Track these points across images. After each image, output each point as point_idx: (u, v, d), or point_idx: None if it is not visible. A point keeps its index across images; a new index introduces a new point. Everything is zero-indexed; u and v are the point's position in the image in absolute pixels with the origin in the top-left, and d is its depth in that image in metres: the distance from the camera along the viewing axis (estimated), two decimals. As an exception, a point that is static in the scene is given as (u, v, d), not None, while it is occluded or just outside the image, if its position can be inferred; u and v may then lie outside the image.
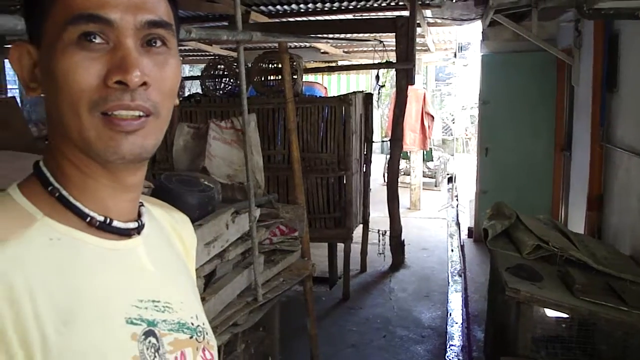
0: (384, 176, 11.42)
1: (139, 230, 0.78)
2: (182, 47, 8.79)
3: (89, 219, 0.72)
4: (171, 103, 0.75)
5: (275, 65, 5.51)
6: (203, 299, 2.40)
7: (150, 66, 0.70)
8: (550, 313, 3.17)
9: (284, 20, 6.56)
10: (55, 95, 0.69)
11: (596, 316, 2.70)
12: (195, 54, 10.18)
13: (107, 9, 0.67)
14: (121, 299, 0.73)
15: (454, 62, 11.61)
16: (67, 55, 0.67)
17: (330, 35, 6.65)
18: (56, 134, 0.73)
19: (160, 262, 0.81)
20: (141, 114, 0.69)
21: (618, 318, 2.68)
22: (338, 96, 5.45)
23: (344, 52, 9.95)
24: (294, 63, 5.28)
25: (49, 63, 0.68)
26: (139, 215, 0.81)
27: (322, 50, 9.28)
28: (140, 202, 0.82)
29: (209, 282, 2.53)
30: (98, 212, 0.73)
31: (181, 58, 9.61)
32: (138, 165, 0.75)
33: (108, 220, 0.74)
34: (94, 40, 0.67)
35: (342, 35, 7.13)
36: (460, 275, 6.10)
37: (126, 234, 0.76)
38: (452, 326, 4.97)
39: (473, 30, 7.42)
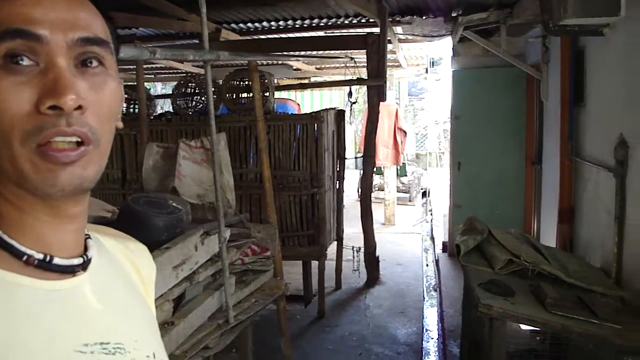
0: (358, 192, 11.44)
1: (84, 265, 0.72)
2: (154, 65, 8.74)
3: (25, 257, 0.66)
4: (111, 127, 0.70)
5: (246, 82, 5.49)
6: (172, 323, 2.35)
7: (86, 88, 0.64)
8: (524, 327, 3.18)
9: (255, 37, 6.57)
10: None
11: (568, 330, 2.71)
12: (166, 71, 10.13)
13: (36, 25, 0.62)
14: (63, 344, 0.66)
15: (426, 77, 11.74)
16: None
17: (300, 53, 6.67)
18: None
19: (111, 298, 0.75)
20: (78, 140, 0.63)
21: (589, 331, 2.69)
22: (310, 113, 5.46)
23: (316, 68, 10.00)
24: (265, 80, 5.27)
25: None
26: (85, 248, 0.74)
27: (294, 67, 9.31)
28: (87, 235, 0.76)
29: (178, 305, 2.48)
30: (37, 249, 0.67)
31: (152, 75, 9.51)
32: (80, 196, 0.69)
33: (48, 258, 0.67)
34: (21, 62, 0.61)
35: (312, 53, 7.16)
36: (436, 290, 6.10)
37: (69, 271, 0.70)
38: (427, 342, 4.94)
39: (444, 46, 7.51)
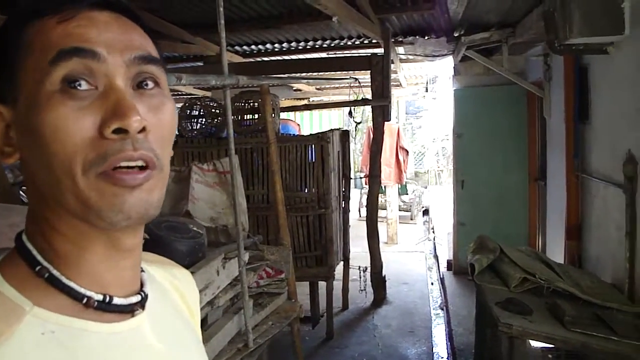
0: (359, 211, 11.46)
1: (142, 303, 0.69)
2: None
3: (85, 300, 0.63)
4: (169, 153, 0.67)
5: (251, 104, 5.52)
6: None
7: (145, 111, 0.62)
8: (541, 345, 3.17)
9: (259, 59, 6.61)
10: (41, 156, 0.60)
11: (589, 347, 2.71)
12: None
13: (92, 43, 0.60)
14: None
15: (425, 96, 11.82)
16: (53, 107, 0.58)
17: (313, 75, 6.71)
18: (42, 202, 0.64)
19: (168, 334, 0.73)
20: (143, 164, 0.61)
21: (609, 348, 2.69)
22: (316, 134, 5.48)
23: (316, 89, 10.06)
24: (272, 103, 5.30)
25: (31, 120, 0.59)
26: (142, 284, 0.72)
27: (294, 88, 9.36)
28: (141, 268, 0.73)
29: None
30: (95, 289, 0.64)
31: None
32: (140, 225, 0.66)
33: (108, 298, 0.65)
34: (79, 87, 0.59)
35: (323, 74, 7.20)
36: (442, 309, 6.09)
37: (128, 310, 0.67)
38: (438, 361, 4.94)
39: (442, 65, 7.58)
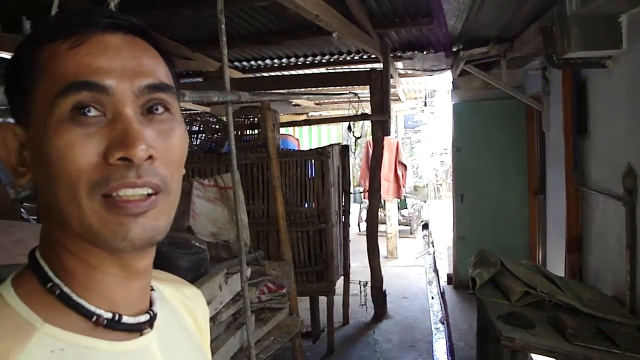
0: (358, 226, 11.44)
1: (151, 322, 0.70)
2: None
3: (95, 318, 0.64)
4: (180, 175, 0.67)
5: (251, 119, 5.54)
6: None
7: (154, 136, 0.62)
8: (543, 358, 3.17)
9: (258, 75, 6.65)
10: (49, 179, 0.61)
11: (591, 361, 2.71)
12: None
13: (101, 75, 0.61)
14: None
15: (423, 110, 11.86)
16: (61, 134, 0.59)
17: (313, 90, 6.74)
18: (52, 222, 0.65)
19: (175, 353, 0.74)
20: (150, 191, 0.61)
21: (612, 362, 2.69)
22: (316, 149, 5.49)
23: (315, 103, 10.10)
24: (272, 118, 5.32)
25: (40, 144, 0.61)
26: (151, 303, 0.72)
27: (293, 103, 9.40)
28: (151, 287, 0.74)
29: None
30: (105, 307, 0.65)
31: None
32: (149, 249, 0.67)
33: (117, 317, 0.65)
34: (88, 113, 0.60)
35: (323, 90, 7.23)
36: (443, 323, 6.07)
37: (137, 329, 0.68)
38: (439, 376, 4.91)
39: (442, 79, 7.62)
